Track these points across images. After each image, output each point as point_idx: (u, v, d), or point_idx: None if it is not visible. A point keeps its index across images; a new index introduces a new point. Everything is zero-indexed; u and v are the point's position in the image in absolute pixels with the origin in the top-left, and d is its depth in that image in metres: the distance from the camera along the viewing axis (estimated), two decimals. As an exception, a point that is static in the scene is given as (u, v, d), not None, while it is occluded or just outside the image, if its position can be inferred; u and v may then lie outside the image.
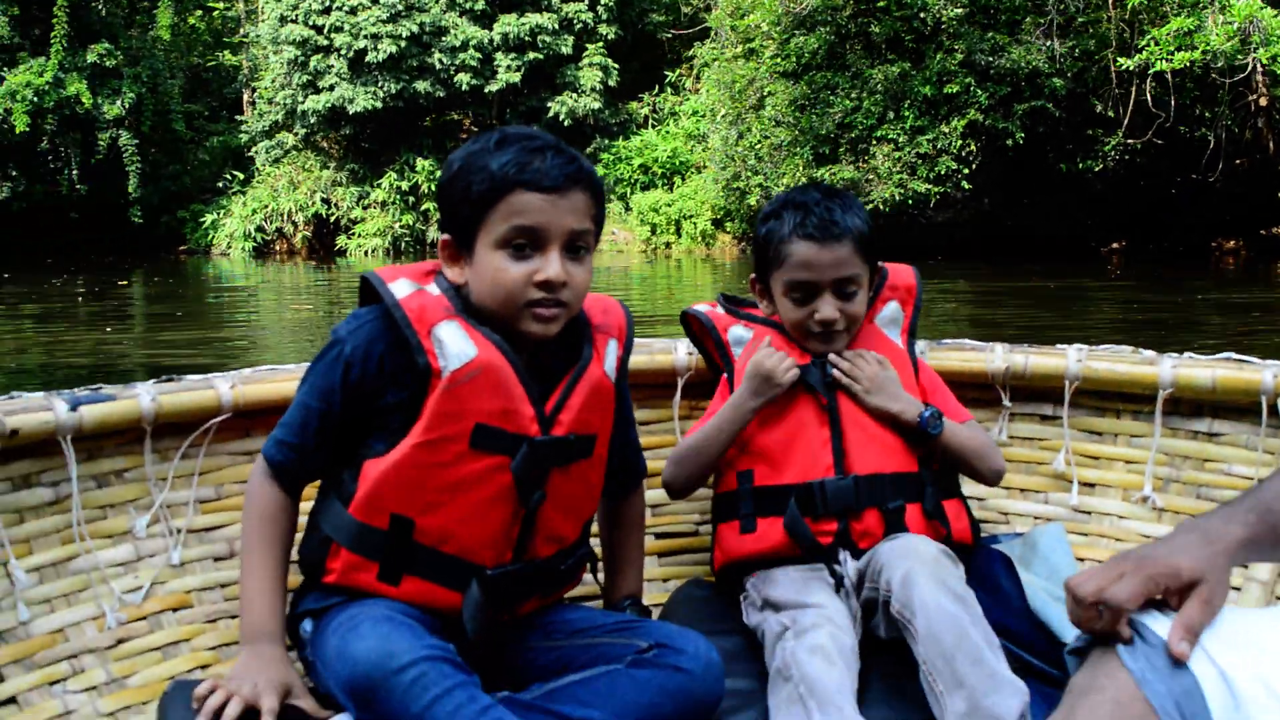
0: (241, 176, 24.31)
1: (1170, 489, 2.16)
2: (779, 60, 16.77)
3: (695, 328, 2.07)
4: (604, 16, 23.56)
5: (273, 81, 23.20)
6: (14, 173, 21.46)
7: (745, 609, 1.87)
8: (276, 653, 1.57)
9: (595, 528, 1.89)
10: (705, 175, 22.25)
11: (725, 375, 2.01)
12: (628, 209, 22.92)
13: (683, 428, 2.23)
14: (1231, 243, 17.58)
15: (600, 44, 23.39)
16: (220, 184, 24.56)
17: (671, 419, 2.25)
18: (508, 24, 22.07)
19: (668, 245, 21.76)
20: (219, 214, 23.66)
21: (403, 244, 22.73)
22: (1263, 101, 15.89)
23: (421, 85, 21.86)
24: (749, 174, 17.37)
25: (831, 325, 1.88)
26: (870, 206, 15.62)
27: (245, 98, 27.35)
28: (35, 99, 20.48)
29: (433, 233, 22.80)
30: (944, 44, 15.30)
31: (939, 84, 15.10)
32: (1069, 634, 1.64)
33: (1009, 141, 15.09)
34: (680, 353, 2.21)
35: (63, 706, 1.69)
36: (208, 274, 18.85)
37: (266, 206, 22.99)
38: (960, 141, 15.07)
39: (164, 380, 1.87)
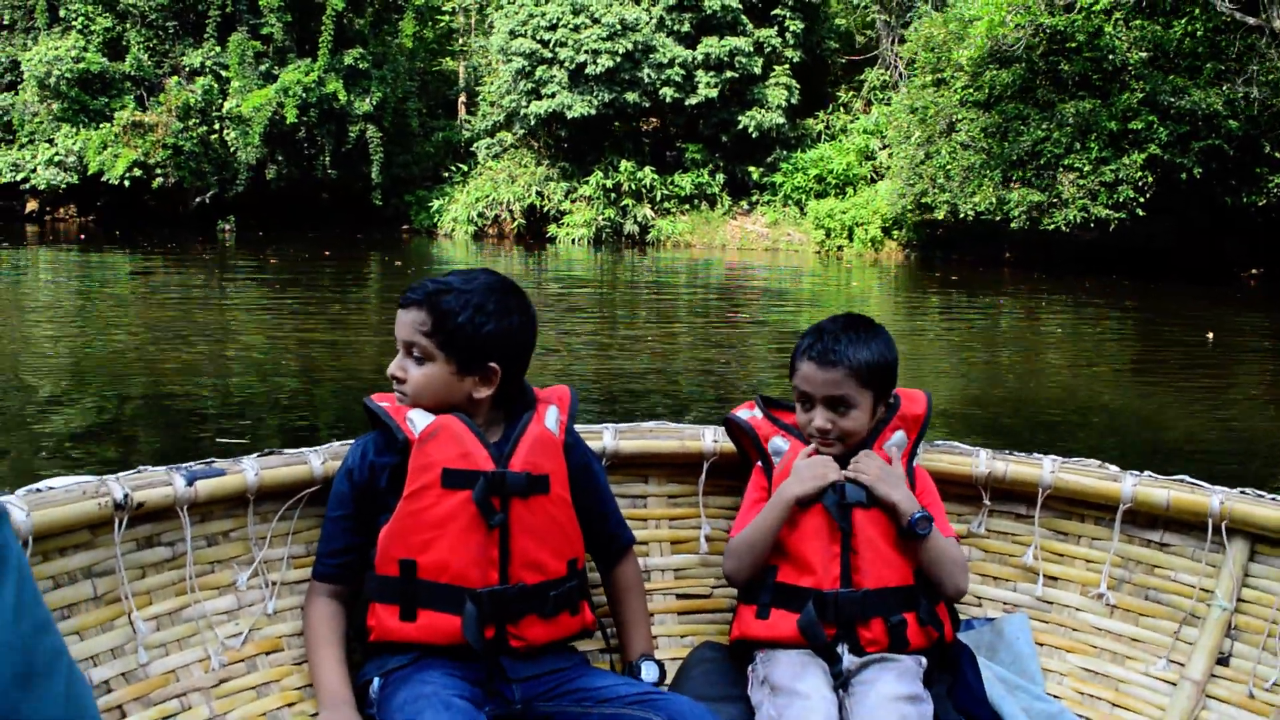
0: (465, 169, 27.41)
1: (1122, 588, 2.36)
2: (971, 91, 18.96)
3: (736, 431, 2.32)
4: (790, 42, 26.10)
5: (498, 86, 26.19)
6: (280, 157, 24.81)
7: (751, 681, 2.11)
8: (349, 709, 1.91)
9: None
10: (877, 187, 24.53)
11: (760, 466, 2.26)
12: (803, 213, 25.29)
13: (706, 503, 2.51)
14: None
15: (786, 66, 25.89)
16: (445, 174, 27.69)
17: (696, 494, 2.50)
18: (710, 45, 24.71)
19: (839, 248, 23.96)
20: (445, 200, 26.81)
21: (604, 234, 25.47)
22: None
23: (631, 96, 24.60)
24: (936, 191, 19.58)
25: (823, 433, 2.15)
26: (1053, 226, 17.78)
27: (460, 99, 30.59)
28: (303, 95, 23.75)
29: (629, 225, 25.57)
30: (1128, 84, 17.30)
31: (1124, 120, 17.10)
32: None
33: (1183, 175, 17.01)
34: (708, 439, 2.45)
35: None
36: (434, 253, 21.90)
37: (488, 196, 26.02)
38: (1140, 173, 17.07)
39: (266, 454, 2.09)
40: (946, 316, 13.36)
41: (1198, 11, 16.80)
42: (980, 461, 2.44)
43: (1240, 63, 16.74)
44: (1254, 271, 19.27)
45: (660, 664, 2.16)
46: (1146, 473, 2.35)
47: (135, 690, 1.90)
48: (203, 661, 2.00)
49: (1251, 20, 16.02)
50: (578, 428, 2.23)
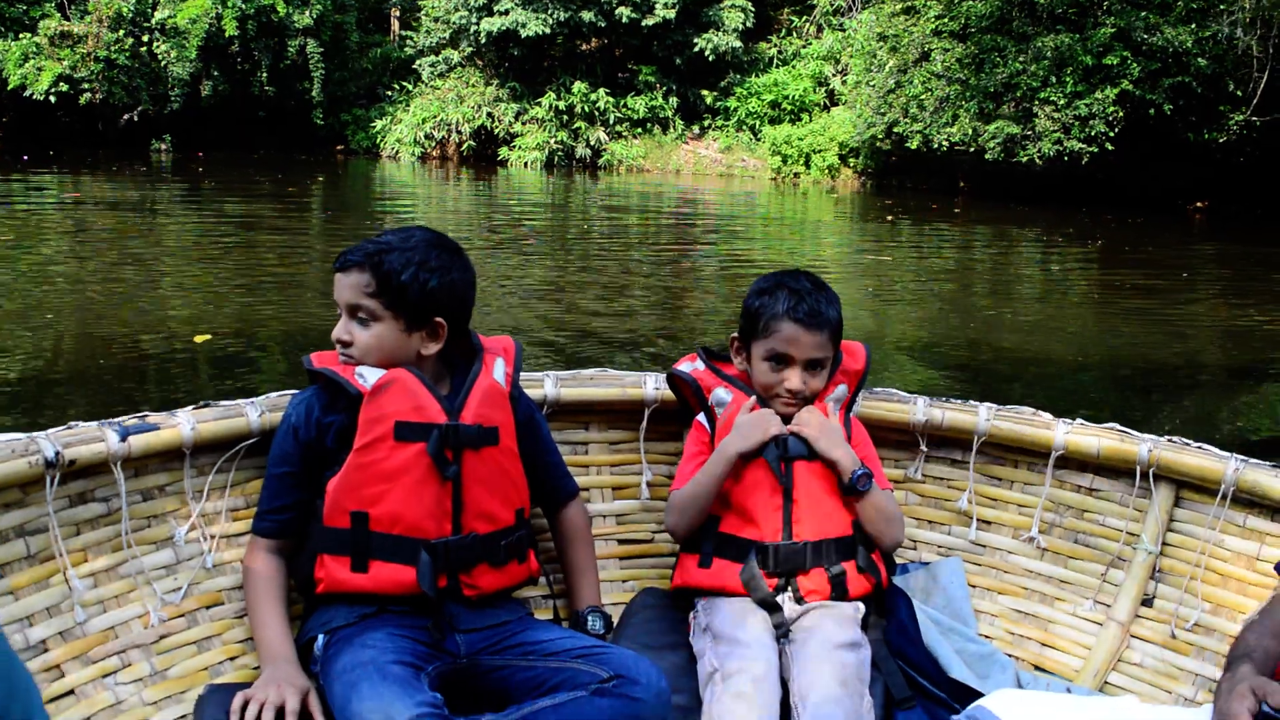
0: (408, 87, 26.36)
1: (1053, 532, 2.47)
2: (946, 20, 18.95)
3: (678, 382, 2.37)
4: (747, -39, 25.56)
5: (445, 1, 25.13)
6: (215, 72, 23.46)
7: (693, 629, 2.17)
8: (292, 666, 1.90)
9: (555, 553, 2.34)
10: (832, 114, 24.50)
11: (699, 420, 2.30)
12: (757, 139, 25.11)
13: (647, 449, 2.56)
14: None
15: (742, -14, 25.40)
16: (387, 93, 26.60)
17: (637, 441, 2.56)
18: (668, -37, 24.02)
19: (796, 175, 23.96)
20: (387, 120, 25.78)
21: (556, 158, 24.87)
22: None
23: (587, 15, 23.86)
24: (909, 121, 19.64)
25: (796, 394, 2.19)
26: (1027, 159, 18.06)
27: (394, 13, 29.30)
28: (242, 5, 22.43)
29: (581, 149, 25.03)
30: (1101, 20, 17.51)
31: (1098, 55, 17.35)
32: (954, 666, 2.14)
33: (1151, 111, 17.40)
34: (648, 387, 2.50)
35: (114, 698, 1.89)
36: (383, 176, 21.29)
37: (435, 116, 25.09)
38: (1112, 108, 17.39)
39: (202, 407, 2.09)
40: (910, 247, 13.49)
41: (1172, -52, 17.04)
42: (918, 409, 2.51)
43: (1210, 1, 17.08)
44: (1198, 205, 19.92)
45: (606, 615, 2.24)
46: (1078, 420, 2.43)
47: (73, 649, 1.89)
48: (142, 617, 1.99)
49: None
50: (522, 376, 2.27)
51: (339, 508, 1.95)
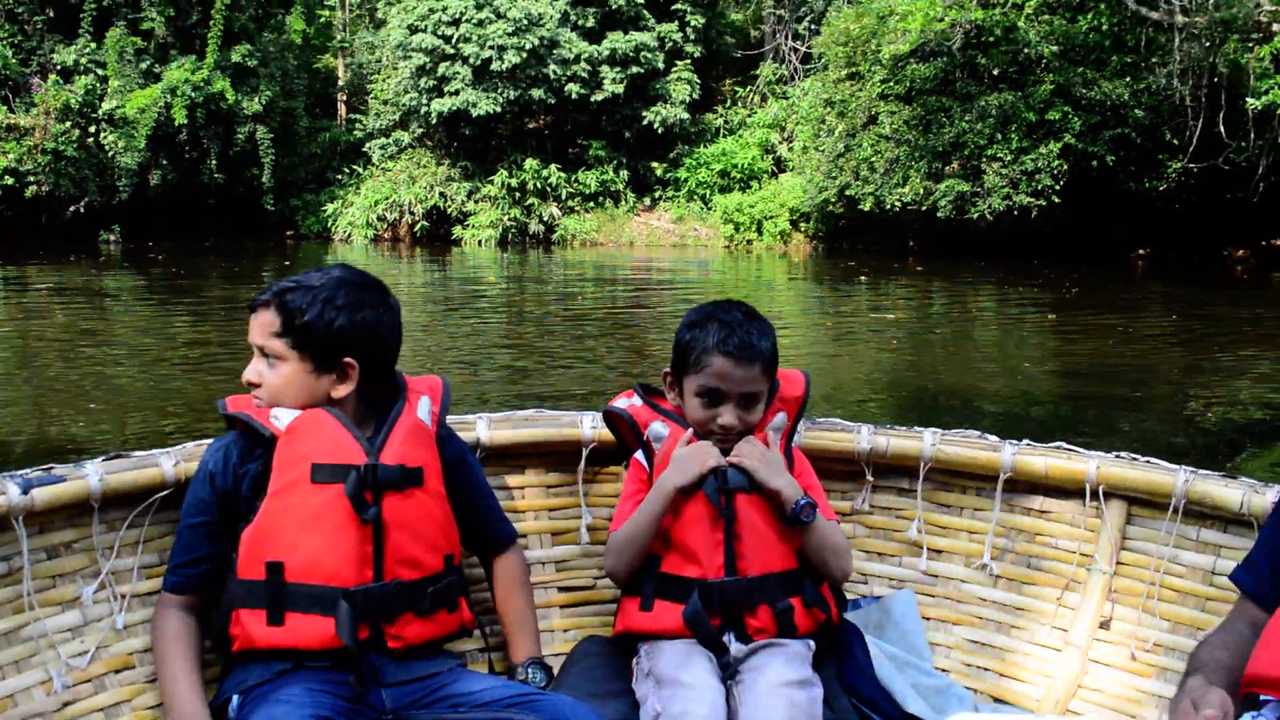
0: (358, 170, 26.41)
1: (1005, 558, 2.40)
2: (891, 84, 19.47)
3: (616, 420, 2.27)
4: (691, 37, 26.17)
5: (395, 84, 25.33)
6: (164, 161, 23.31)
7: (635, 674, 2.07)
8: None
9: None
10: (781, 181, 24.94)
11: (643, 460, 2.18)
12: (708, 208, 25.45)
13: (586, 491, 2.47)
14: (1240, 251, 20.52)
15: (688, 61, 25.97)
16: (338, 177, 26.61)
17: (576, 483, 2.45)
18: (616, 40, 24.46)
19: (749, 242, 24.26)
20: (339, 204, 25.76)
21: (510, 235, 24.96)
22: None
23: (536, 92, 24.16)
24: (860, 183, 20.02)
25: (730, 431, 2.10)
26: (978, 214, 18.48)
27: (340, 98, 29.47)
28: (192, 94, 22.39)
29: (534, 225, 25.16)
30: (1041, 77, 18.08)
31: (1040, 111, 17.89)
32: (909, 701, 2.07)
33: (1094, 163, 17.91)
34: (585, 426, 2.42)
35: None
36: (338, 257, 21.22)
37: (387, 198, 25.14)
38: (1056, 161, 17.89)
39: (112, 458, 1.97)
40: (865, 305, 13.65)
41: (1103, 6, 17.72)
42: (862, 437, 2.45)
43: (1144, 55, 17.75)
44: (1140, 252, 20.47)
45: (547, 666, 2.13)
46: (1025, 441, 2.40)
47: None
48: (45, 684, 1.87)
49: (1155, 15, 17.00)
50: (450, 419, 2.18)
51: (254, 558, 1.85)
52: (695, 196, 25.85)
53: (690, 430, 2.15)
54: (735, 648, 2.02)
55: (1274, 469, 5.35)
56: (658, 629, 2.06)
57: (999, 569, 2.40)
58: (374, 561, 1.87)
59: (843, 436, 2.46)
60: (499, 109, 23.98)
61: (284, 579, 1.83)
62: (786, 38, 27.87)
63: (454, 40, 23.76)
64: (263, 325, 1.93)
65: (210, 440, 2.02)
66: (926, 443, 2.41)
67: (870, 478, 2.50)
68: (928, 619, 2.43)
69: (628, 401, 2.26)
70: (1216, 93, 17.00)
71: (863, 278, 16.65)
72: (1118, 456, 2.30)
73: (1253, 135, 17.05)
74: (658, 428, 2.19)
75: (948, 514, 2.47)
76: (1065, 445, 2.35)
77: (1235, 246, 20.40)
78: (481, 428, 2.36)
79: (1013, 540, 2.40)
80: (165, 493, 2.01)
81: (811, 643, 2.08)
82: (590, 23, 24.73)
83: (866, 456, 2.46)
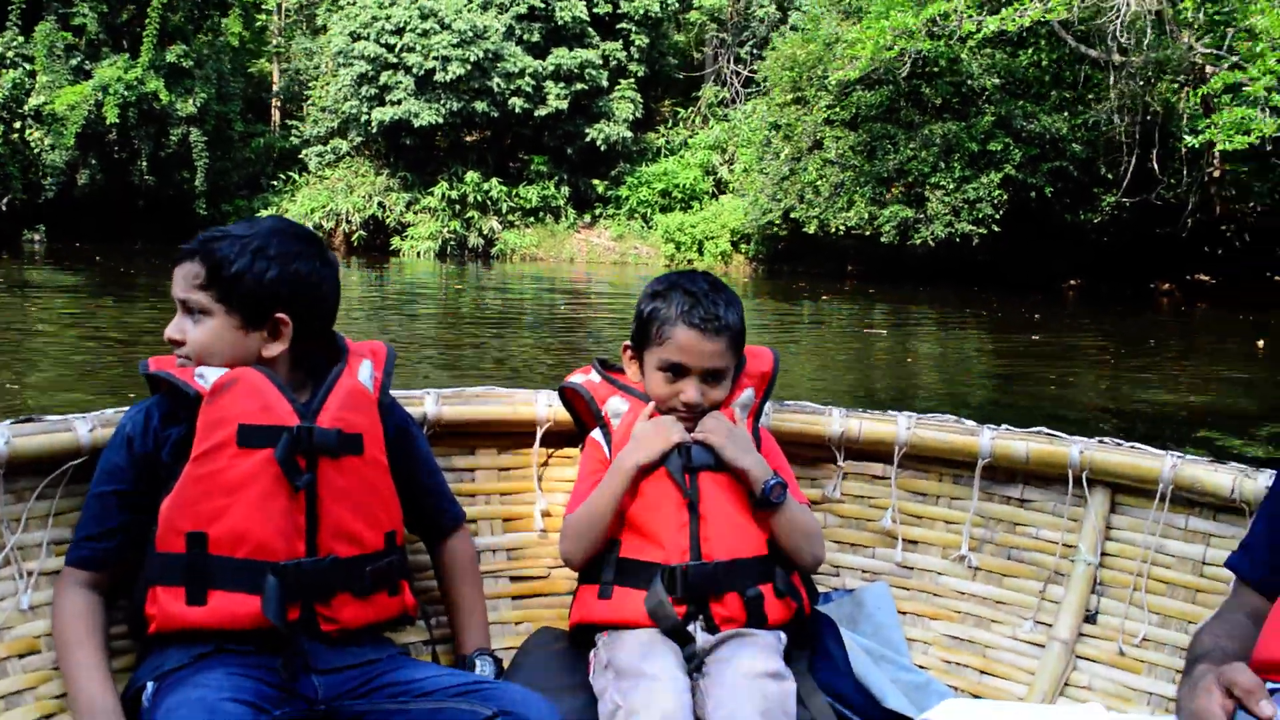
0: (298, 177, 25.93)
1: (985, 549, 2.28)
2: (837, 109, 19.74)
3: (571, 397, 2.13)
4: (635, 56, 26.28)
5: (335, 91, 24.95)
6: (93, 161, 22.61)
7: (592, 666, 1.92)
8: None
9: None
10: (722, 202, 25.12)
11: (600, 439, 2.05)
12: (649, 227, 25.53)
13: (540, 474, 2.31)
14: (1166, 284, 21.27)
15: (631, 80, 26.07)
16: (273, 183, 26.09)
17: (530, 466, 2.31)
18: (561, 56, 24.45)
19: (689, 261, 24.33)
20: (274, 210, 25.23)
21: (449, 247, 24.75)
22: (1216, 173, 19.65)
23: (480, 105, 24.01)
24: (805, 207, 20.22)
25: (693, 407, 1.97)
26: (920, 240, 18.79)
27: (274, 103, 28.91)
28: (124, 93, 21.76)
29: (474, 238, 24.95)
30: (983, 108, 18.51)
31: (983, 141, 18.28)
32: (889, 696, 1.94)
33: (1033, 194, 18.35)
34: (540, 404, 2.27)
35: None
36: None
37: (324, 206, 24.75)
38: (997, 191, 18.28)
39: (21, 420, 1.80)
40: (809, 318, 13.76)
41: (1043, 43, 18.20)
42: (834, 420, 2.32)
43: (1082, 91, 18.26)
44: (1073, 282, 20.97)
45: (497, 659, 1.98)
46: (1004, 425, 2.28)
47: None
48: None
49: (1093, 52, 17.50)
50: (394, 393, 2.02)
51: (173, 529, 1.67)
52: (636, 215, 25.93)
53: (651, 404, 2.02)
54: (701, 638, 1.88)
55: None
56: (617, 618, 1.91)
57: (978, 560, 2.28)
58: (306, 534, 1.71)
59: (813, 419, 2.32)
60: (441, 120, 23.79)
61: (206, 551, 1.66)
62: (729, 61, 28.16)
63: (397, 49, 23.54)
64: (186, 277, 1.76)
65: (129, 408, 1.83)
66: (901, 426, 2.29)
67: (842, 463, 2.36)
68: (903, 613, 2.30)
69: (584, 377, 2.12)
70: (1151, 130, 17.53)
71: (805, 297, 16.78)
72: (1101, 441, 2.19)
73: (1185, 173, 17.64)
74: (616, 403, 2.05)
75: (923, 502, 2.35)
76: (1046, 430, 2.22)
77: (1162, 280, 21.05)
78: (429, 403, 2.18)
79: (992, 530, 2.28)
80: (79, 461, 1.82)
81: (783, 634, 1.94)
82: (535, 38, 24.69)
83: (838, 440, 2.32)
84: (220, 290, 1.74)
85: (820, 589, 2.28)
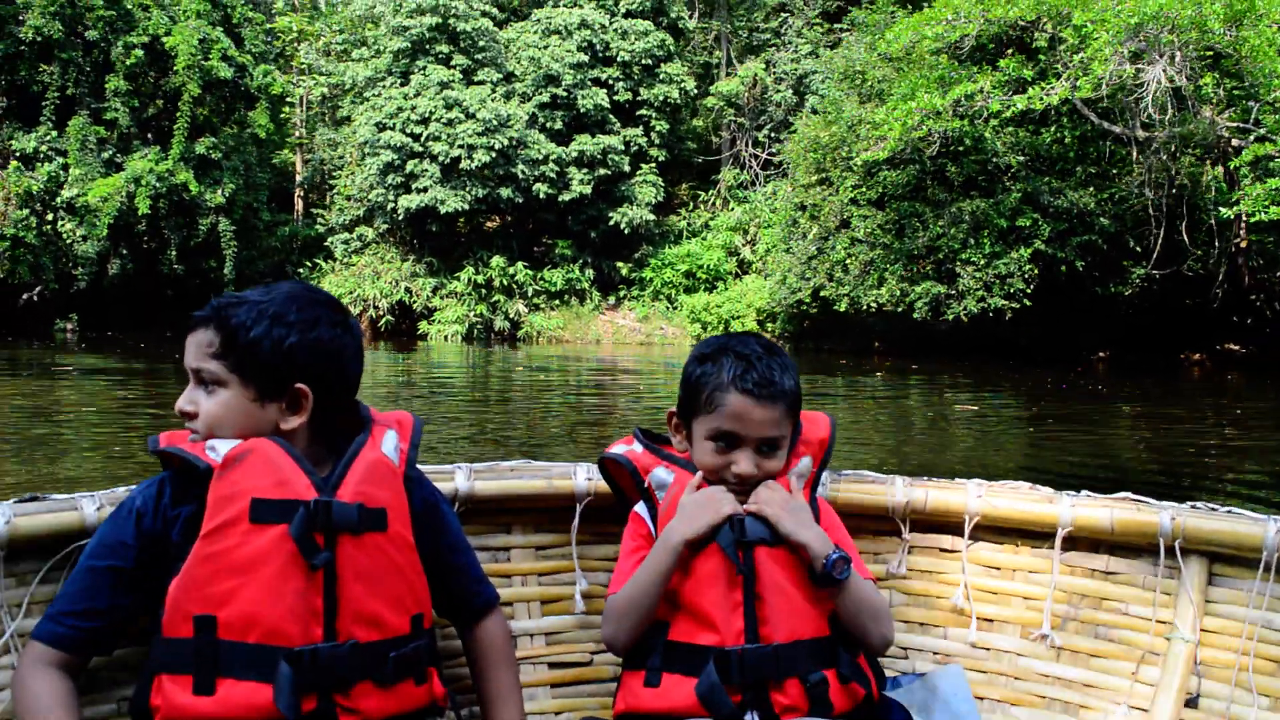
0: (323, 264, 26.20)
1: (1068, 627, 2.10)
2: (863, 189, 19.97)
3: (613, 470, 1.99)
4: (655, 141, 26.72)
5: (361, 180, 25.32)
6: (124, 251, 22.86)
7: None
8: None
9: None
10: (745, 281, 25.30)
11: (644, 513, 1.91)
12: (673, 307, 25.68)
13: (581, 554, 2.17)
14: (1197, 355, 21.30)
15: (653, 164, 26.47)
16: (300, 271, 26.34)
17: (569, 544, 2.16)
18: (584, 143, 24.83)
19: (717, 341, 24.51)
20: (302, 299, 25.44)
21: (475, 331, 24.87)
22: (1243, 244, 19.80)
23: (504, 191, 24.33)
24: (834, 285, 20.35)
25: (747, 480, 1.83)
26: (953, 316, 18.85)
27: (297, 193, 29.33)
28: (156, 185, 22.08)
29: (500, 321, 25.07)
30: (1009, 186, 18.71)
31: (1011, 217, 18.45)
32: None
33: (1063, 268, 18.45)
34: (580, 478, 2.13)
35: None
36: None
37: (352, 292, 24.94)
38: (1028, 265, 18.39)
39: (25, 499, 1.73)
40: (844, 390, 13.86)
41: (1065, 120, 18.47)
42: (897, 489, 2.16)
43: (1106, 166, 18.48)
44: (1101, 355, 21.00)
45: None
46: (1084, 492, 2.11)
47: None
48: None
49: (1116, 129, 17.75)
50: (423, 468, 1.91)
51: (181, 612, 1.54)
52: (661, 296, 26.11)
53: (699, 474, 1.85)
54: None
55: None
56: (666, 708, 1.74)
57: (1061, 640, 2.09)
58: (324, 617, 1.58)
59: (874, 489, 2.16)
60: (466, 206, 24.07)
61: (215, 636, 1.54)
62: (747, 144, 28.57)
63: (423, 139, 23.91)
64: (199, 345, 1.64)
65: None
66: (971, 494, 2.12)
67: (907, 536, 2.19)
68: (980, 699, 2.10)
69: (626, 448, 1.95)
70: (1177, 203, 17.69)
71: (840, 374, 16.78)
72: (1194, 507, 2.01)
73: (1214, 244, 17.76)
74: (661, 474, 1.89)
75: (998, 577, 2.16)
76: (1132, 495, 2.05)
77: (1192, 350, 21.08)
78: (460, 478, 2.05)
79: (1076, 606, 2.09)
80: (85, 541, 1.70)
81: None
82: (558, 125, 25.10)
83: (902, 511, 2.16)
84: (235, 359, 1.63)
85: (888, 673, 2.08)
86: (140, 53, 22.18)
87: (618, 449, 1.96)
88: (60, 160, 22.08)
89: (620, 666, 1.86)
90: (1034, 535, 2.12)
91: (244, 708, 1.52)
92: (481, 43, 24.92)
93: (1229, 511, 1.98)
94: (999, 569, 2.16)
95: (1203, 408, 12.41)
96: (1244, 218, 17.62)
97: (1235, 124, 16.09)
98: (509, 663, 1.88)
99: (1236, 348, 20.97)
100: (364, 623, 1.61)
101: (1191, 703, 1.97)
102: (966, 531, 2.15)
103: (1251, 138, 15.24)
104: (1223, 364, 20.01)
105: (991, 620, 2.15)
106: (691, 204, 28.85)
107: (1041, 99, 15.66)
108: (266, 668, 1.53)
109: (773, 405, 1.80)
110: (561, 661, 2.13)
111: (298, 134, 30.38)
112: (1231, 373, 18.25)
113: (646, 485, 1.89)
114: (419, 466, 1.83)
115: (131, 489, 1.70)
